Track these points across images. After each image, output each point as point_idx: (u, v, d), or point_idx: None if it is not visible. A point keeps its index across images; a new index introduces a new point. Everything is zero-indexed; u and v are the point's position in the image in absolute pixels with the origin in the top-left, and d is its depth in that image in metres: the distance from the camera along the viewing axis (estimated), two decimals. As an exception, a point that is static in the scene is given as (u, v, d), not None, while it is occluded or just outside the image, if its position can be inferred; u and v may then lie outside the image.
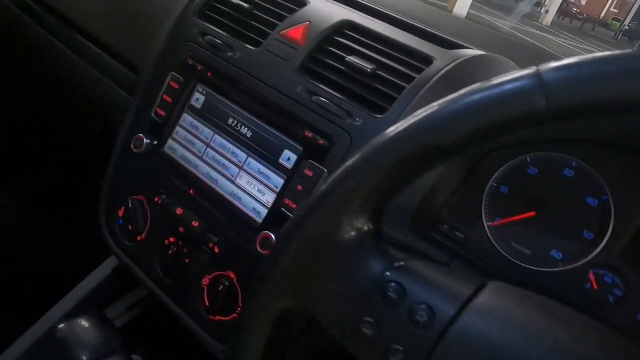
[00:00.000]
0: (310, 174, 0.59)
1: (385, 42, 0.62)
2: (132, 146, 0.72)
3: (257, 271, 0.40)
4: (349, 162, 0.37)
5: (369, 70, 0.59)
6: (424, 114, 0.34)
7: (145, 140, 0.71)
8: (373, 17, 0.69)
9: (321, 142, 0.59)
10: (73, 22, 0.93)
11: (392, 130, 0.35)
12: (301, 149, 0.61)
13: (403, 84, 0.58)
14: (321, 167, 0.58)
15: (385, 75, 0.59)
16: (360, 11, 0.70)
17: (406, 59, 0.60)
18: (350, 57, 0.61)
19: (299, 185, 0.60)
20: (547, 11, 18.99)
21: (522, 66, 0.65)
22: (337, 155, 0.58)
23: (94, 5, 0.89)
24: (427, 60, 0.59)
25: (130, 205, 0.72)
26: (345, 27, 0.65)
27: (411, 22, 0.70)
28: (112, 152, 0.76)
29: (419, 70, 0.59)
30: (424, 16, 0.84)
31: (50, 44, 1.00)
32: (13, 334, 0.79)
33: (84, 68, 0.92)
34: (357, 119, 0.58)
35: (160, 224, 0.70)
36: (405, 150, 0.34)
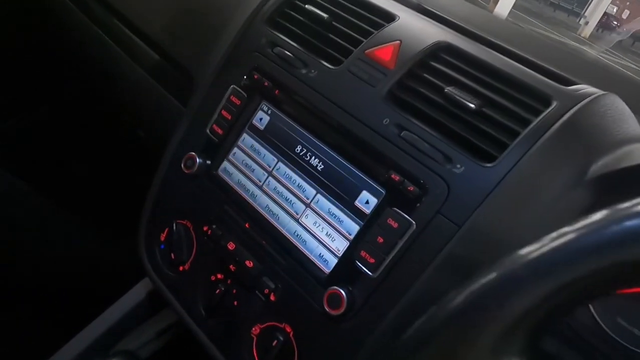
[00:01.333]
0: (394, 224, 0.50)
1: (493, 73, 0.52)
2: (182, 165, 0.64)
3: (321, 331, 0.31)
4: (495, 274, 0.28)
5: (473, 107, 0.50)
6: (619, 216, 0.25)
7: (197, 160, 0.63)
8: (471, 38, 0.59)
9: (410, 188, 0.50)
10: (127, 19, 0.85)
11: (566, 235, 0.26)
12: (384, 192, 0.52)
13: (517, 128, 0.48)
14: (409, 219, 0.49)
15: (494, 115, 0.50)
16: (456, 31, 0.60)
17: (519, 96, 0.51)
18: (450, 89, 0.51)
19: (379, 237, 0.50)
20: (587, 23, 18.43)
21: (632, 107, 0.56)
22: (429, 207, 0.49)
23: (152, 3, 0.80)
24: (545, 100, 0.50)
25: (175, 229, 0.64)
26: (442, 51, 0.55)
27: (516, 51, 0.60)
28: (159, 166, 0.68)
29: (536, 112, 0.49)
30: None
31: (102, 40, 0.93)
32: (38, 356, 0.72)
33: (134, 68, 0.84)
34: (458, 166, 0.48)
35: (208, 257, 0.62)
36: (589, 266, 0.25)
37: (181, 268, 0.65)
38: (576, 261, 0.26)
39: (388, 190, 0.52)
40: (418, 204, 0.49)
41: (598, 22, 18.78)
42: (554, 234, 0.30)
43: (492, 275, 0.28)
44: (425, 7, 0.70)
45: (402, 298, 0.49)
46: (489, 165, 0.48)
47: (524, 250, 0.30)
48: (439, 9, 0.71)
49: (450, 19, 0.67)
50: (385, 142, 0.52)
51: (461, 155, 0.49)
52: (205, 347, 0.62)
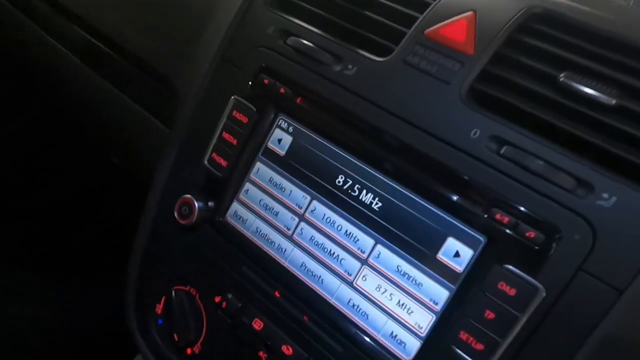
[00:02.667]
0: (510, 291, 0.33)
1: (627, 47, 0.35)
2: (175, 213, 0.46)
3: None
4: None
5: (609, 101, 0.33)
6: None
7: (196, 204, 0.45)
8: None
9: (530, 234, 0.33)
10: (83, 20, 0.65)
11: None
12: (484, 240, 0.35)
13: None
14: (533, 281, 0.32)
15: (641, 110, 0.33)
16: None
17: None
18: (566, 75, 0.34)
19: (487, 310, 0.33)
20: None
21: None
22: (565, 263, 0.32)
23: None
24: None
25: (175, 299, 0.47)
26: (540, 20, 0.38)
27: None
28: (143, 214, 0.50)
29: None
30: None
31: (54, 50, 0.73)
32: None
33: (102, 85, 0.65)
34: (605, 196, 0.31)
35: (225, 338, 0.45)
36: None
37: (189, 351, 0.47)
38: None
39: (491, 237, 0.34)
40: (545, 259, 0.32)
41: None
42: None
43: None
44: None
45: None
46: (657, 190, 0.31)
47: None
48: None
49: None
50: (478, 164, 0.35)
51: (605, 177, 0.32)
52: None
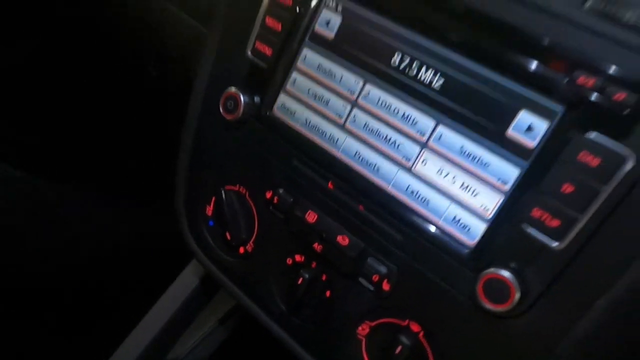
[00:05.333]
0: (592, 161, 0.30)
1: None
2: (221, 109, 0.44)
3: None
4: None
5: None
6: None
7: (242, 97, 0.43)
8: None
9: (619, 96, 0.29)
10: None
11: None
12: (562, 110, 0.31)
13: None
14: (620, 148, 0.29)
15: None
16: None
17: None
18: None
19: (565, 184, 0.30)
20: None
21: None
22: (662, 126, 0.28)
23: None
24: None
25: (225, 199, 0.46)
26: None
27: None
28: (187, 114, 0.49)
29: None
30: None
31: None
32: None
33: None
34: None
35: (278, 234, 0.44)
36: None
37: (242, 250, 0.47)
38: None
39: (570, 105, 0.31)
40: (636, 123, 0.29)
41: None
42: None
43: None
44: None
45: (618, 283, 0.30)
46: None
47: None
48: None
49: None
50: (558, 21, 0.31)
51: None
52: (293, 351, 0.45)
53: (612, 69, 0.29)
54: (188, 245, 0.52)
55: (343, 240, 0.39)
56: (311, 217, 0.41)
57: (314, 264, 0.42)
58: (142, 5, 0.59)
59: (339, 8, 0.40)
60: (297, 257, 0.43)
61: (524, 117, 0.32)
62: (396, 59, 0.37)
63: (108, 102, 0.73)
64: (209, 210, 0.49)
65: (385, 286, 0.38)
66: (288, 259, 0.44)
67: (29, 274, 0.72)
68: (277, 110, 0.43)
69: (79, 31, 0.65)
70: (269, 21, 0.42)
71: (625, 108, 0.29)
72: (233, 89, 0.44)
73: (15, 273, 0.71)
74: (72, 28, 0.65)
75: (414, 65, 0.36)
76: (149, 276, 0.65)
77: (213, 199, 0.48)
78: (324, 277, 0.42)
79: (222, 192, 0.47)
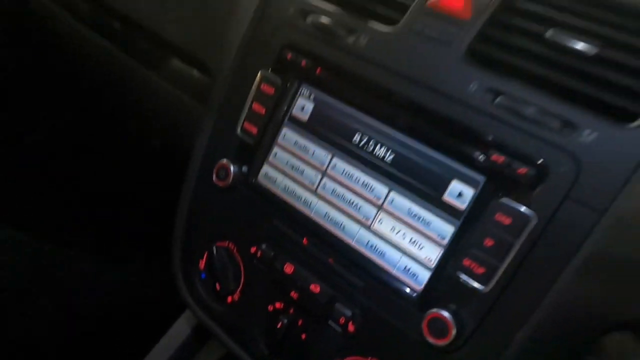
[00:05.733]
0: (505, 220, 0.38)
1: (608, 5, 0.39)
2: (214, 177, 0.52)
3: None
4: None
5: (590, 51, 0.37)
6: None
7: (232, 168, 0.52)
8: None
9: (521, 170, 0.37)
10: (118, 12, 0.73)
11: None
12: (483, 180, 0.40)
13: None
14: (526, 210, 0.37)
15: (621, 59, 0.37)
16: None
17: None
18: (552, 32, 0.39)
19: (486, 239, 0.38)
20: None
21: None
22: (553, 192, 0.36)
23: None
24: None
25: (216, 254, 0.53)
26: (530, -14, 0.42)
27: None
28: (185, 181, 0.57)
29: None
30: None
31: (97, 43, 0.81)
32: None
33: (140, 70, 0.73)
34: (587, 132, 0.36)
35: (261, 284, 0.51)
36: None
37: (230, 299, 0.54)
38: None
39: (489, 176, 0.39)
40: (536, 190, 0.37)
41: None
42: None
43: None
44: None
45: (532, 316, 0.37)
46: (631, 126, 0.35)
47: None
48: None
49: None
50: (476, 113, 0.40)
51: (588, 117, 0.36)
52: None
53: (516, 150, 0.38)
54: (182, 296, 0.58)
55: (315, 288, 0.46)
56: (289, 268, 0.48)
57: (291, 310, 0.49)
58: (147, 89, 0.70)
59: (312, 97, 0.49)
60: (277, 304, 0.50)
61: (456, 185, 0.41)
62: (357, 137, 0.46)
63: (114, 171, 0.81)
64: (202, 264, 0.56)
65: (351, 327, 0.45)
66: (269, 306, 0.50)
67: (30, 330, 0.77)
68: (261, 178, 0.52)
69: (93, 112, 0.75)
70: (255, 106, 0.51)
71: (526, 179, 0.37)
72: (224, 160, 0.52)
73: (17, 330, 0.77)
74: (88, 110, 0.75)
75: (370, 143, 0.45)
76: (144, 328, 0.70)
77: (206, 254, 0.56)
78: (300, 322, 0.49)
79: (214, 248, 0.54)
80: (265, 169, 0.51)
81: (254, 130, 0.51)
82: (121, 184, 0.98)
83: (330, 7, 0.49)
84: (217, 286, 0.54)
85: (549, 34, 0.39)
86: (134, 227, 0.86)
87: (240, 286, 0.53)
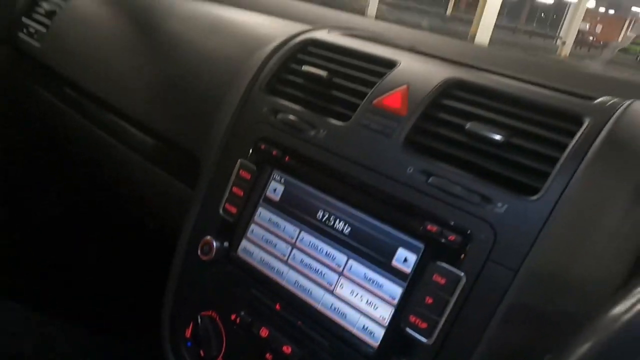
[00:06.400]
0: (441, 281, 0.45)
1: (514, 101, 0.49)
2: (199, 252, 0.60)
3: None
4: (591, 344, 0.23)
5: (500, 138, 0.46)
6: None
7: (214, 243, 0.59)
8: (477, 71, 0.57)
9: (451, 237, 0.45)
10: (115, 108, 0.84)
11: None
12: (422, 246, 0.47)
13: (554, 153, 0.44)
14: (457, 271, 0.44)
15: (524, 145, 0.46)
16: (458, 66, 0.58)
17: (547, 120, 0.47)
18: (471, 124, 0.48)
19: (427, 297, 0.45)
20: (564, 43, 18.88)
21: None
22: (477, 256, 0.44)
23: (138, 88, 0.80)
24: (577, 119, 0.46)
25: (200, 324, 0.59)
26: (454, 87, 0.53)
27: (526, 77, 0.57)
28: (175, 257, 0.64)
29: (570, 134, 0.45)
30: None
31: (91, 132, 0.92)
32: None
33: (133, 158, 0.82)
34: (500, 205, 0.44)
35: (241, 348, 0.56)
36: None
37: (213, 365, 0.59)
38: None
39: (427, 243, 0.47)
40: (463, 254, 0.44)
41: (574, 40, 19.22)
42: None
43: (588, 346, 0.23)
44: (420, 49, 0.69)
45: None
46: (533, 198, 0.43)
47: (617, 310, 0.26)
48: (431, 49, 0.69)
49: (449, 56, 0.65)
50: (414, 191, 0.48)
51: (500, 192, 0.44)
52: None
53: (446, 221, 0.46)
54: (168, 363, 0.63)
55: (287, 349, 0.52)
56: (264, 332, 0.54)
57: (267, 372, 0.54)
58: (142, 175, 0.79)
59: (282, 180, 0.57)
60: (255, 367, 0.55)
61: (401, 252, 0.48)
62: (320, 214, 0.54)
63: (111, 251, 0.88)
64: (188, 332, 0.61)
65: (319, 384, 0.50)
66: (248, 369, 0.56)
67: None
68: (240, 252, 0.59)
69: (91, 194, 0.83)
70: (235, 189, 0.60)
71: (456, 245, 0.45)
72: (208, 237, 0.59)
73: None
74: (86, 192, 0.83)
75: (331, 218, 0.53)
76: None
77: (191, 323, 0.61)
78: (275, 382, 0.54)
79: (199, 317, 0.60)
80: (244, 243, 0.59)
81: (233, 210, 0.59)
82: (115, 261, 1.05)
83: (296, 107, 0.59)
84: (202, 353, 0.59)
85: (469, 125, 0.48)
86: (126, 301, 0.91)
87: (222, 352, 0.58)
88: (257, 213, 0.58)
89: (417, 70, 0.56)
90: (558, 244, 0.42)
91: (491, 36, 9.92)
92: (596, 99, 0.50)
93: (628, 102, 0.48)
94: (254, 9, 0.90)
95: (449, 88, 0.53)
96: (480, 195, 0.45)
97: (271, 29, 0.74)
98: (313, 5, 0.99)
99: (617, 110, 0.46)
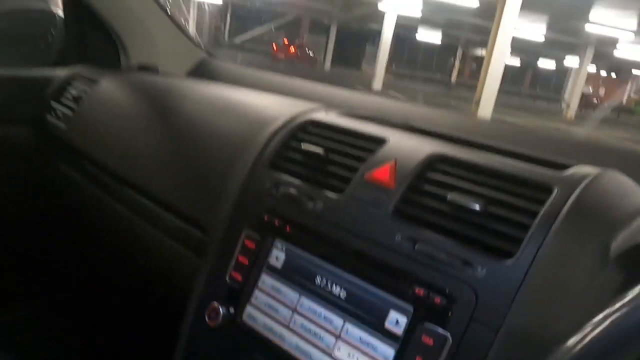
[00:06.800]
0: (429, 342, 0.48)
1: (490, 173, 0.55)
2: (206, 318, 0.63)
3: None
4: None
5: (478, 208, 0.51)
6: None
7: (221, 309, 0.63)
8: (460, 145, 0.63)
9: (437, 300, 0.49)
10: (132, 183, 0.91)
11: (609, 318, 0.26)
12: (412, 309, 0.51)
13: (525, 221, 0.49)
14: (443, 332, 0.48)
15: (499, 213, 0.51)
16: (444, 141, 0.64)
17: (520, 190, 0.52)
18: (452, 195, 0.53)
19: (417, 357, 0.48)
20: (568, 106, 19.30)
21: (636, 179, 0.57)
22: (461, 317, 0.47)
23: (154, 164, 0.87)
24: (547, 189, 0.51)
25: (206, 387, 0.62)
26: (437, 162, 0.58)
27: (504, 146, 0.63)
28: (183, 324, 0.68)
29: (539, 202, 0.50)
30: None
31: (109, 205, 0.98)
32: None
33: (146, 229, 0.88)
34: (479, 269, 0.48)
35: (244, 412, 0.59)
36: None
37: None
38: (626, 343, 0.26)
39: (416, 306, 0.51)
40: (449, 315, 0.48)
41: (579, 102, 19.63)
42: (596, 319, 0.30)
43: None
44: (413, 125, 0.76)
45: None
46: (509, 262, 0.47)
47: (570, 342, 0.29)
48: (427, 123, 0.76)
49: (438, 131, 0.72)
50: (402, 258, 0.52)
51: (478, 257, 0.49)
52: None
53: (432, 284, 0.50)
54: None
55: (288, 411, 0.54)
56: (266, 393, 0.56)
57: None
58: (150, 244, 0.84)
59: (284, 248, 0.62)
60: None
61: (393, 315, 0.52)
62: (318, 280, 0.58)
63: (119, 316, 0.92)
64: (195, 396, 0.64)
65: None
66: None
67: None
68: (245, 318, 0.62)
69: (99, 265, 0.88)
70: (240, 258, 0.64)
71: (441, 307, 0.48)
72: (215, 304, 0.63)
73: None
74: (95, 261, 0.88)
75: (328, 283, 0.57)
76: None
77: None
78: None
79: (205, 380, 0.62)
80: (249, 309, 0.62)
81: (239, 277, 0.64)
82: (122, 327, 1.07)
83: (296, 181, 0.65)
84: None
85: (450, 196, 0.53)
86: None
87: (228, 414, 0.60)
88: (261, 280, 0.62)
89: (404, 146, 0.62)
90: (534, 303, 0.45)
91: (495, 100, 10.20)
92: (571, 167, 0.55)
93: (595, 172, 0.53)
94: (270, 88, 1.00)
95: (433, 162, 0.58)
96: (462, 260, 0.49)
97: (276, 109, 0.82)
98: (320, 84, 1.09)
99: (583, 181, 0.51)
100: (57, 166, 1.13)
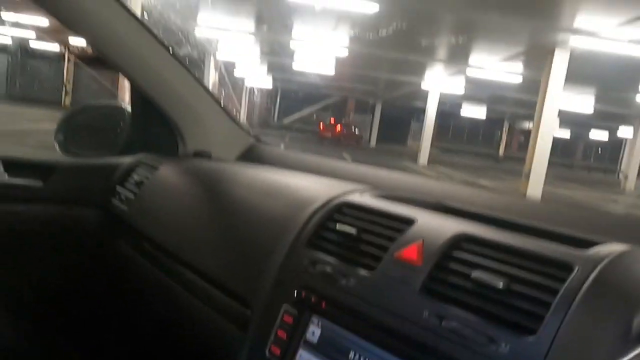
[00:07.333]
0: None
1: (512, 252, 0.58)
2: (247, 391, 0.67)
3: None
4: None
5: (500, 286, 0.54)
6: None
7: (261, 383, 0.66)
8: (486, 224, 0.66)
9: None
10: (185, 260, 0.98)
11: None
12: (441, 383, 0.53)
13: (547, 299, 0.51)
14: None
15: (522, 291, 0.53)
16: (471, 220, 0.68)
17: (541, 268, 0.55)
18: (476, 273, 0.56)
19: None
20: (626, 177, 18.56)
21: None
22: (488, 392, 0.49)
23: (206, 244, 0.94)
24: (568, 267, 0.53)
25: None
26: (462, 241, 0.62)
27: (531, 224, 0.66)
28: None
29: (561, 280, 0.52)
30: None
31: (157, 280, 1.06)
32: None
33: (195, 303, 0.94)
34: (503, 345, 0.50)
35: None
36: None
37: None
38: None
39: (439, 373, 0.52)
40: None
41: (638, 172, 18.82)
42: None
43: None
44: (446, 204, 0.80)
45: None
46: (531, 338, 0.49)
47: None
48: (461, 202, 0.80)
49: (468, 209, 0.75)
50: (430, 333, 0.55)
51: (502, 334, 0.51)
52: None
53: (457, 359, 0.52)
54: None
55: None
56: None
57: None
58: (196, 317, 0.90)
59: (319, 324, 0.66)
60: None
61: (422, 390, 0.54)
62: (351, 354, 0.61)
63: None
64: None
65: None
66: None
67: None
68: (284, 391, 0.65)
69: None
70: (280, 332, 0.68)
71: (468, 383, 0.50)
72: (255, 380, 0.67)
73: None
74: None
75: (361, 358, 0.60)
76: None
77: None
78: None
79: None
80: (287, 384, 0.66)
81: (277, 351, 0.68)
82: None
83: (331, 259, 0.70)
84: None
85: (474, 274, 0.56)
86: None
87: None
88: (299, 354, 0.66)
89: (432, 226, 0.66)
90: (558, 381, 0.47)
91: (547, 172, 10.00)
92: (598, 244, 0.58)
93: (619, 250, 0.55)
94: (312, 169, 1.08)
95: (458, 241, 0.62)
96: (487, 337, 0.52)
97: (315, 191, 0.88)
98: (362, 165, 1.16)
99: (605, 259, 0.53)
100: (120, 245, 1.24)
